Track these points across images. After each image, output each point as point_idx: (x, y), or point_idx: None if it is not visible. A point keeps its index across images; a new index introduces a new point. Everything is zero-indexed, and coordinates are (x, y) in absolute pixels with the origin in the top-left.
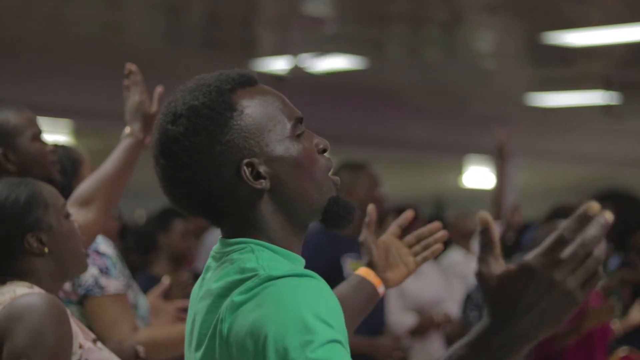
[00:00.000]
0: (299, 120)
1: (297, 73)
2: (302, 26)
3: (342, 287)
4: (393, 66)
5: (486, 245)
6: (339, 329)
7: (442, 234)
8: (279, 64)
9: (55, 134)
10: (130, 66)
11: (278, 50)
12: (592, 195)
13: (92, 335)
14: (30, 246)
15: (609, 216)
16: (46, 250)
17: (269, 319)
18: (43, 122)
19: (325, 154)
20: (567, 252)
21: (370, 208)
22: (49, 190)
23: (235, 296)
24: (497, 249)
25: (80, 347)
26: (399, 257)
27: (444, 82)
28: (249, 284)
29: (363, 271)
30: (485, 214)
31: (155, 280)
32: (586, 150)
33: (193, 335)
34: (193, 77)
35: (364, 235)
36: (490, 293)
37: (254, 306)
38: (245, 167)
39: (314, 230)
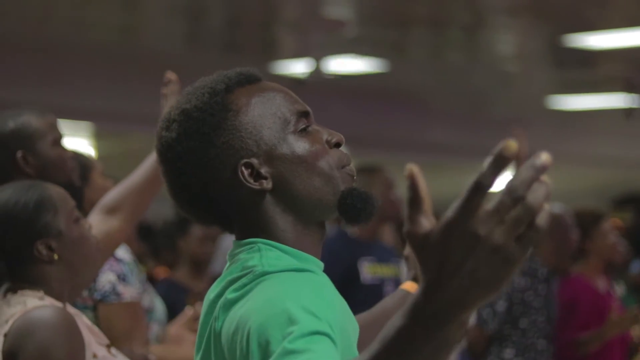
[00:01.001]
0: (303, 115)
1: (318, 76)
2: (323, 29)
3: (387, 300)
4: (414, 69)
5: (414, 201)
6: (330, 321)
7: None
8: (299, 67)
9: (75, 136)
10: (170, 75)
11: (298, 53)
12: (611, 198)
13: (107, 340)
14: (40, 253)
15: (545, 157)
16: (56, 257)
17: (253, 312)
18: (63, 124)
19: (341, 149)
20: (491, 202)
21: None
22: (58, 193)
23: (229, 293)
24: (426, 204)
25: (94, 356)
26: None
27: (465, 84)
28: (243, 280)
29: (408, 285)
30: (412, 166)
31: (177, 286)
32: (607, 153)
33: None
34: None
35: (409, 250)
36: (419, 254)
37: (244, 302)
38: (243, 168)
39: (331, 234)
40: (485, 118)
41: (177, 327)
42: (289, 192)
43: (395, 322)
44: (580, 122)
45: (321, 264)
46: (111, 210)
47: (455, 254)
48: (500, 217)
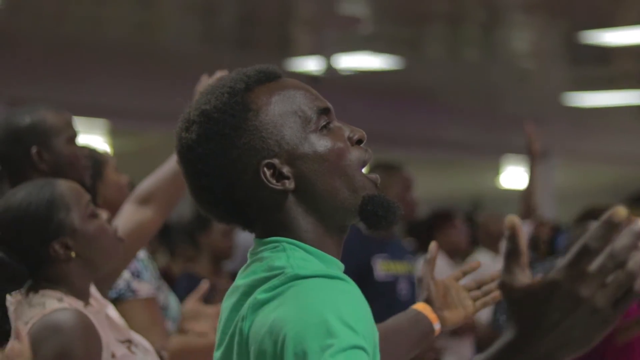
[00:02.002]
0: (324, 112)
1: (332, 73)
2: (338, 26)
3: (399, 317)
4: (430, 66)
5: (512, 253)
6: (365, 336)
7: None
8: (313, 64)
9: (91, 134)
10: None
11: (313, 50)
12: (626, 196)
13: (127, 336)
14: (57, 253)
15: None
16: (73, 254)
17: (289, 319)
18: (78, 122)
19: (362, 145)
20: (594, 264)
21: (433, 246)
22: (71, 189)
23: (259, 294)
24: (524, 258)
25: (113, 356)
26: (458, 299)
27: (481, 82)
28: (274, 282)
29: (420, 306)
30: (513, 217)
31: (197, 280)
32: (623, 150)
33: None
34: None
35: (423, 271)
36: (513, 306)
37: (277, 305)
38: (264, 169)
39: None
40: (501, 115)
41: (192, 302)
42: (311, 192)
43: None
44: (596, 119)
45: (342, 266)
46: (144, 201)
47: (555, 312)
48: (602, 281)
